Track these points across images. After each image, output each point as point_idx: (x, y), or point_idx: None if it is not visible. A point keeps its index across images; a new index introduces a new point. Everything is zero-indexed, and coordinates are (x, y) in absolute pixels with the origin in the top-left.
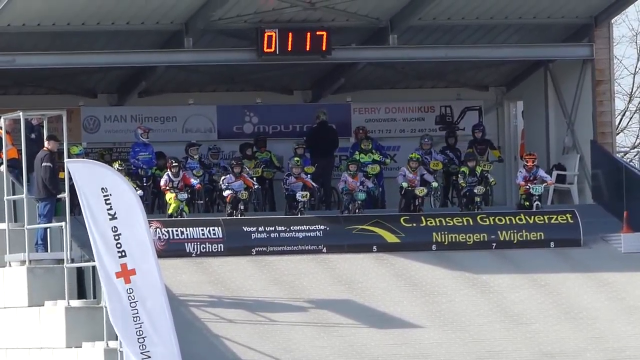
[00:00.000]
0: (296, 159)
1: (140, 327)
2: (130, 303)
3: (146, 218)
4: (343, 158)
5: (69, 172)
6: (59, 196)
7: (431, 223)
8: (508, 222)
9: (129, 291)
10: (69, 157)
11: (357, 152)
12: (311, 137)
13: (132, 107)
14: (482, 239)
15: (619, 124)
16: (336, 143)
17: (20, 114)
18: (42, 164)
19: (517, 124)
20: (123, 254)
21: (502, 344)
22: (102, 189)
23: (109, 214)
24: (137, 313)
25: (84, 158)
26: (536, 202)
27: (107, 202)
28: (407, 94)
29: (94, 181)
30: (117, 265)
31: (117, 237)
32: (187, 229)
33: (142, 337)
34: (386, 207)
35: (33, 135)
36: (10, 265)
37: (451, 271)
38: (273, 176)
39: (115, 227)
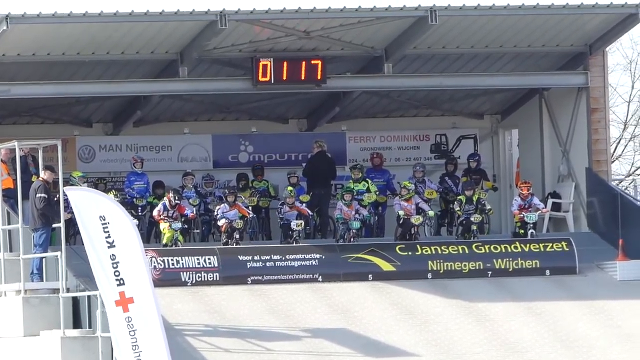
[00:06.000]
0: (289, 188)
1: (139, 355)
2: (130, 332)
3: (143, 247)
4: (339, 187)
5: (66, 201)
6: (54, 225)
7: (427, 251)
8: (503, 250)
9: (127, 319)
10: (70, 181)
11: (350, 181)
12: (309, 167)
13: (127, 137)
14: (477, 267)
15: (614, 151)
16: (334, 172)
17: (16, 143)
18: (37, 195)
19: (512, 152)
20: (121, 282)
21: None
22: (101, 217)
23: (107, 242)
24: (136, 342)
25: (84, 183)
26: (531, 230)
27: (106, 230)
28: (402, 122)
29: (93, 209)
30: (116, 294)
31: (115, 265)
32: (183, 258)
33: None
34: (385, 235)
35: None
36: (5, 295)
37: (447, 299)
38: (269, 205)
39: (113, 254)
